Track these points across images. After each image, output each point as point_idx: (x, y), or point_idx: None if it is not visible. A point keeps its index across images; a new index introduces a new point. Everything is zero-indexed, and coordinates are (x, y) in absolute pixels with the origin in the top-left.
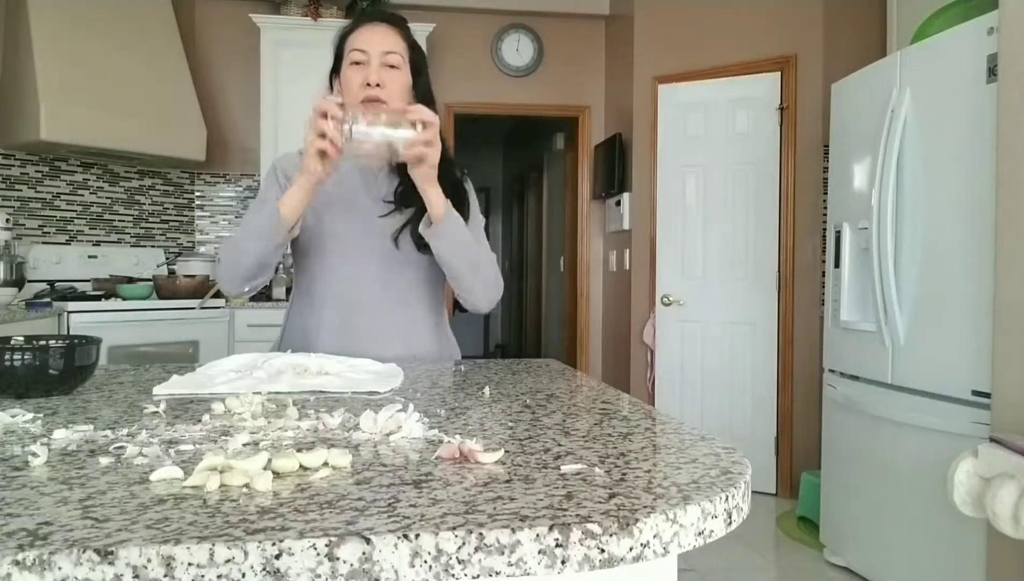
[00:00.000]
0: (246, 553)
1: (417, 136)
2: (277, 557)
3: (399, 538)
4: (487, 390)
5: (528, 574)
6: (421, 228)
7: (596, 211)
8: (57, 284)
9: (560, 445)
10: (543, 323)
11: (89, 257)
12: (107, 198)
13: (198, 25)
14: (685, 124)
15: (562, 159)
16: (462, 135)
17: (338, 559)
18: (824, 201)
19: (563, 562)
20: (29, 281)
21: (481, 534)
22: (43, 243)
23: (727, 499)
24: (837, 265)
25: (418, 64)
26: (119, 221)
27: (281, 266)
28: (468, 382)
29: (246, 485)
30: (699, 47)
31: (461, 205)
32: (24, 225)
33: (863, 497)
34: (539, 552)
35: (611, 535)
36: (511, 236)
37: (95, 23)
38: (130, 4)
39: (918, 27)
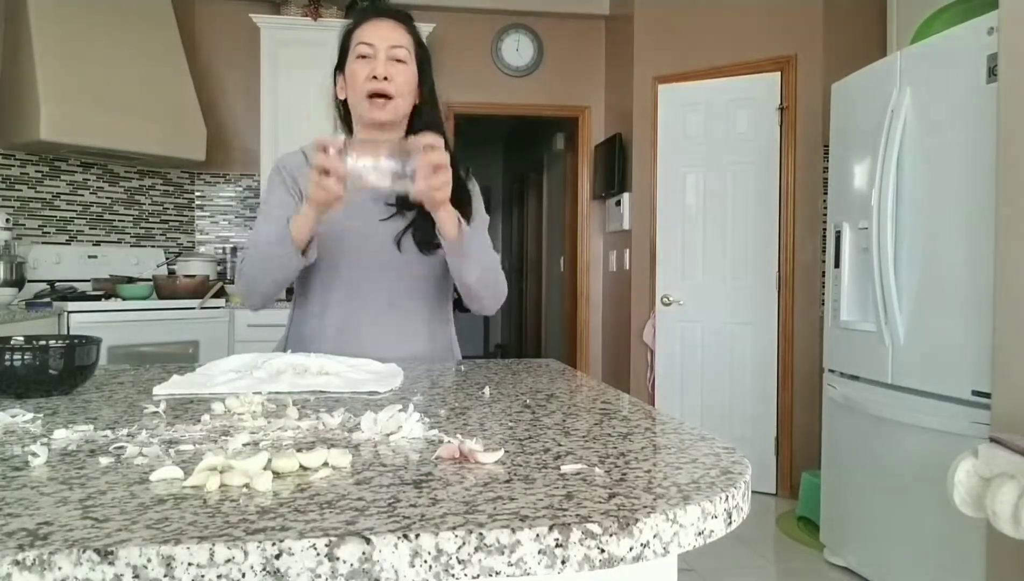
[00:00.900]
0: (246, 553)
1: (421, 187)
2: (277, 557)
3: (399, 538)
4: (487, 390)
5: (528, 574)
6: (443, 243)
7: (596, 211)
8: (57, 284)
9: (560, 445)
10: (543, 323)
11: (89, 257)
12: (107, 198)
13: (198, 25)
14: (685, 124)
15: (562, 159)
16: (462, 135)
17: (338, 559)
18: (824, 201)
19: (563, 562)
20: (29, 281)
21: (481, 534)
22: (43, 243)
23: (727, 499)
24: (837, 265)
25: (424, 61)
26: (119, 221)
27: None
28: (468, 382)
29: (246, 485)
30: (699, 47)
31: (465, 205)
32: (24, 225)
33: (863, 497)
34: (539, 552)
35: (611, 535)
36: (511, 236)
37: (95, 23)
38: (130, 4)
39: (918, 27)
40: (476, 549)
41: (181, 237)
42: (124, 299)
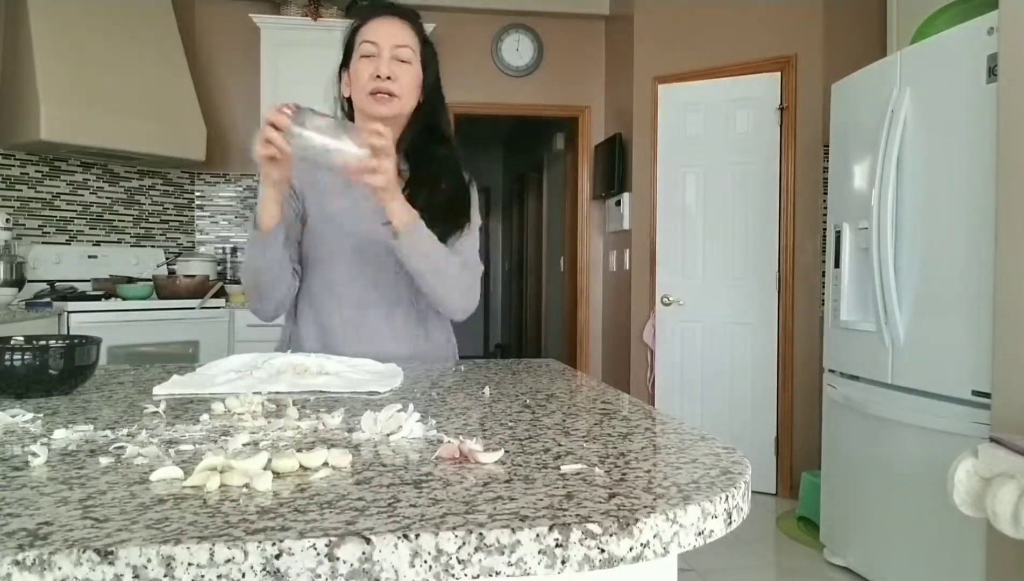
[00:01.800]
0: (246, 553)
1: (358, 159)
2: (277, 557)
3: (399, 538)
4: (487, 390)
5: (528, 574)
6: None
7: (596, 211)
8: (57, 284)
9: (560, 445)
10: (543, 323)
11: (89, 257)
12: (107, 198)
13: (198, 25)
14: (685, 124)
15: (562, 159)
16: (462, 135)
17: (338, 559)
18: (824, 201)
19: (563, 562)
20: (29, 281)
21: (481, 534)
22: (43, 243)
23: (727, 499)
24: (837, 265)
25: (428, 59)
26: (119, 221)
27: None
28: (468, 382)
29: (246, 485)
30: (699, 47)
31: (462, 211)
32: (24, 225)
33: (863, 497)
34: (539, 552)
35: (611, 535)
36: (511, 236)
37: (95, 23)
38: (130, 4)
39: (918, 27)
40: (476, 549)
41: (181, 237)
42: (124, 299)
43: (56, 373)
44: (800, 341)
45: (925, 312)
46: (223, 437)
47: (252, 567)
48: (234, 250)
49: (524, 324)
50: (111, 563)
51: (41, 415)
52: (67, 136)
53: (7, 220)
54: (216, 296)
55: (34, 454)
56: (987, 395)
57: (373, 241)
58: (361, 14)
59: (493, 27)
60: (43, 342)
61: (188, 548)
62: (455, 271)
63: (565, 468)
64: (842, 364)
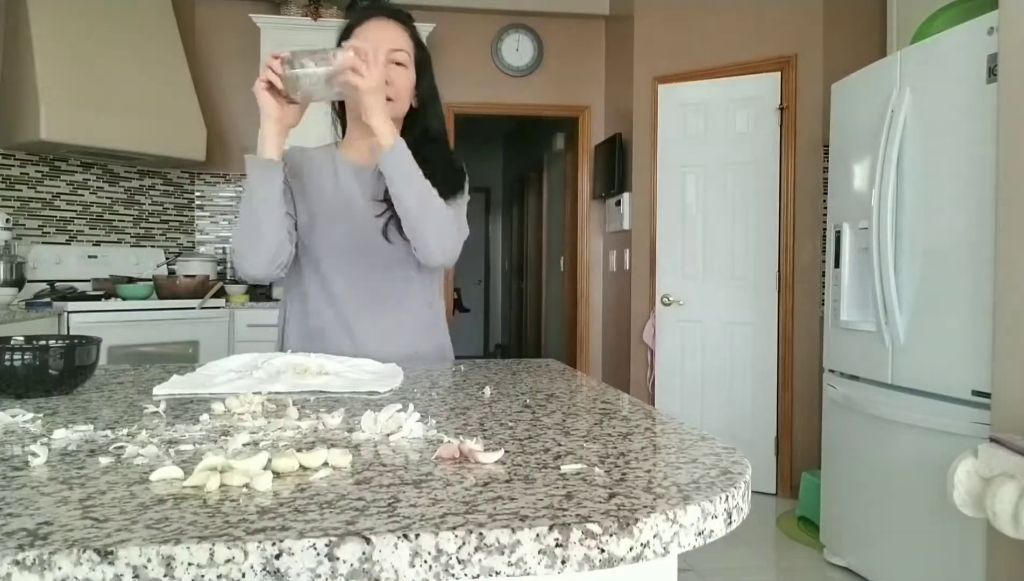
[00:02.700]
0: (246, 553)
1: (345, 61)
2: (277, 557)
3: (399, 538)
4: (487, 390)
5: (528, 574)
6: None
7: (596, 211)
8: (57, 284)
9: (560, 445)
10: (543, 323)
11: (89, 257)
12: (107, 198)
13: (198, 25)
14: (685, 124)
15: (562, 159)
16: (462, 135)
17: (338, 559)
18: (824, 201)
19: (563, 562)
20: (29, 281)
21: (481, 534)
22: (43, 243)
23: (727, 499)
24: (837, 265)
25: (423, 62)
26: (119, 221)
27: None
28: (468, 382)
29: (246, 485)
30: (699, 47)
31: (456, 187)
32: (24, 225)
33: (863, 497)
34: (539, 552)
35: (611, 535)
36: (511, 236)
37: (95, 23)
38: (130, 4)
39: (918, 27)
40: (476, 549)
41: (181, 237)
42: (124, 299)
43: (56, 373)
44: (800, 341)
45: (925, 312)
46: (223, 437)
47: (252, 567)
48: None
49: (524, 324)
50: (111, 563)
51: (41, 415)
52: (67, 136)
53: (7, 220)
54: (216, 296)
55: (34, 454)
56: (987, 395)
57: (364, 242)
58: (355, 16)
59: (493, 27)
60: (43, 342)
61: (188, 548)
62: (438, 203)
63: (565, 468)
64: (842, 364)
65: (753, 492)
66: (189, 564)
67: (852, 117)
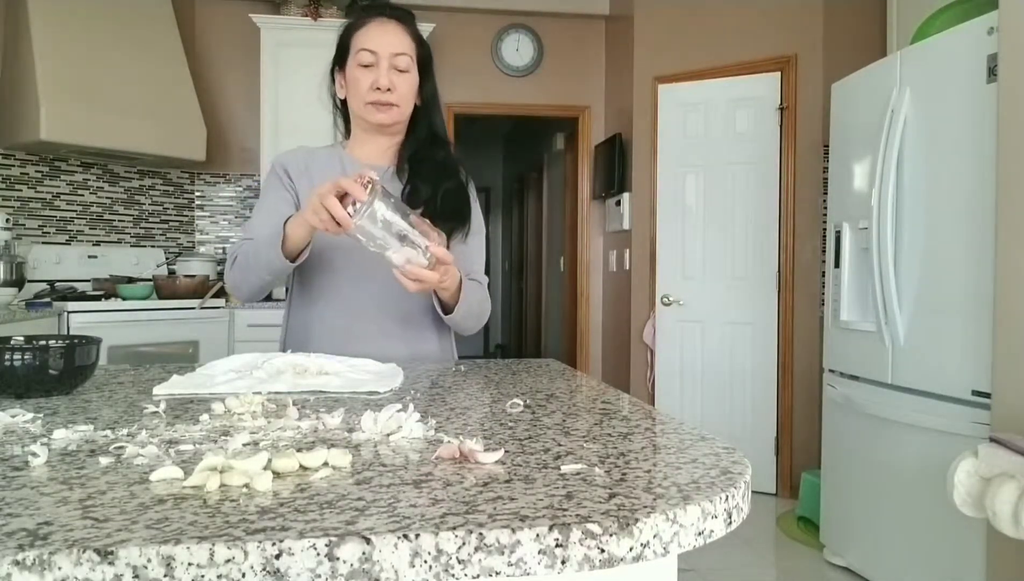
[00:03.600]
0: (246, 553)
1: (419, 266)
2: (277, 557)
3: (399, 538)
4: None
5: (528, 574)
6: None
7: (596, 211)
8: (57, 284)
9: (560, 445)
10: (543, 323)
11: (89, 257)
12: (107, 198)
13: (198, 25)
14: (685, 124)
15: (562, 159)
16: (462, 135)
17: (338, 559)
18: (824, 201)
19: (563, 562)
20: (29, 281)
21: (481, 534)
22: (43, 243)
23: (727, 499)
24: (837, 265)
25: (425, 61)
26: (119, 221)
27: None
28: (468, 382)
29: (246, 485)
30: (699, 47)
31: (464, 208)
32: (24, 225)
33: (863, 497)
34: (539, 552)
35: (611, 535)
36: (511, 236)
37: (95, 23)
38: (130, 4)
39: (918, 27)
40: (476, 549)
41: (181, 237)
42: (124, 299)
43: (56, 373)
44: (800, 341)
45: (925, 312)
46: (223, 437)
47: (252, 567)
48: None
49: (524, 324)
50: (111, 563)
51: (41, 415)
52: (67, 136)
53: (7, 220)
54: (216, 296)
55: (34, 454)
56: (987, 395)
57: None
58: (356, 15)
59: (493, 27)
60: (43, 342)
61: (188, 548)
62: (483, 306)
63: (565, 468)
64: (842, 364)
65: (753, 492)
66: (189, 564)
67: (852, 117)
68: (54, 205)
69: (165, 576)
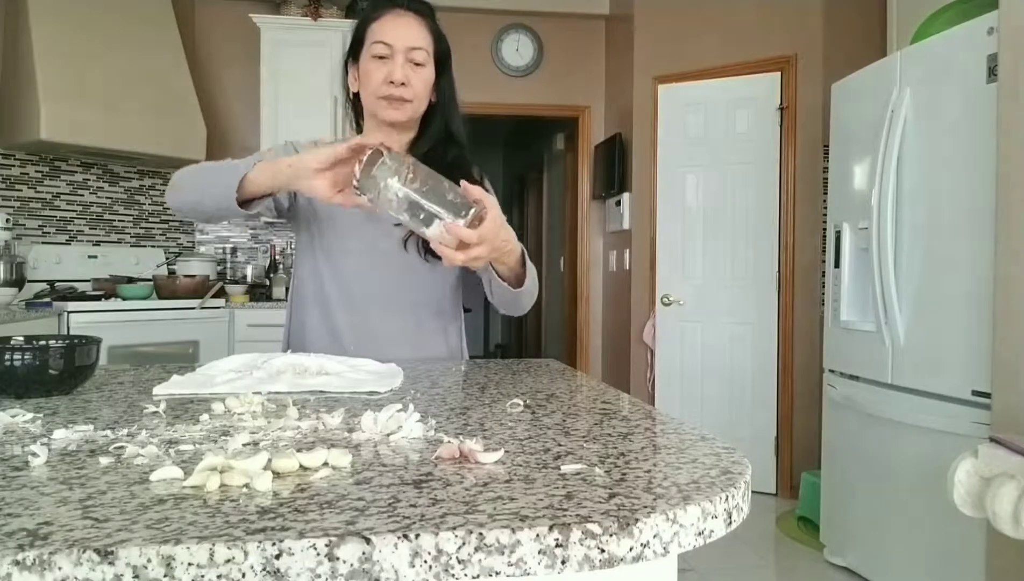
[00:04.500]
0: (246, 553)
1: (455, 237)
2: (277, 557)
3: (399, 538)
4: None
5: (528, 574)
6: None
7: (596, 211)
8: (57, 284)
9: (560, 445)
10: (543, 323)
11: (89, 257)
12: (107, 198)
13: (198, 25)
14: (685, 124)
15: (562, 159)
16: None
17: (338, 559)
18: (824, 201)
19: (563, 562)
20: (29, 281)
21: (481, 534)
22: (43, 243)
23: (727, 499)
24: (837, 265)
25: (443, 57)
26: (119, 221)
27: (281, 265)
28: (468, 382)
29: (246, 485)
30: (699, 47)
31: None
32: (24, 225)
33: (863, 497)
34: (539, 552)
35: (611, 535)
36: None
37: (95, 23)
38: (130, 4)
39: (918, 27)
40: (476, 549)
41: (181, 237)
42: (124, 299)
43: (56, 373)
44: (800, 341)
45: (925, 312)
46: (223, 437)
47: (252, 567)
48: (234, 250)
49: (524, 324)
50: (111, 563)
51: (41, 415)
52: (67, 136)
53: (7, 220)
54: (216, 296)
55: (34, 454)
56: (987, 395)
57: (383, 251)
58: (372, 6)
59: (493, 27)
60: (43, 342)
61: (188, 548)
62: (535, 283)
63: (565, 468)
64: (842, 364)
65: (753, 492)
66: (189, 564)
67: (852, 117)
68: (54, 205)
69: (165, 576)
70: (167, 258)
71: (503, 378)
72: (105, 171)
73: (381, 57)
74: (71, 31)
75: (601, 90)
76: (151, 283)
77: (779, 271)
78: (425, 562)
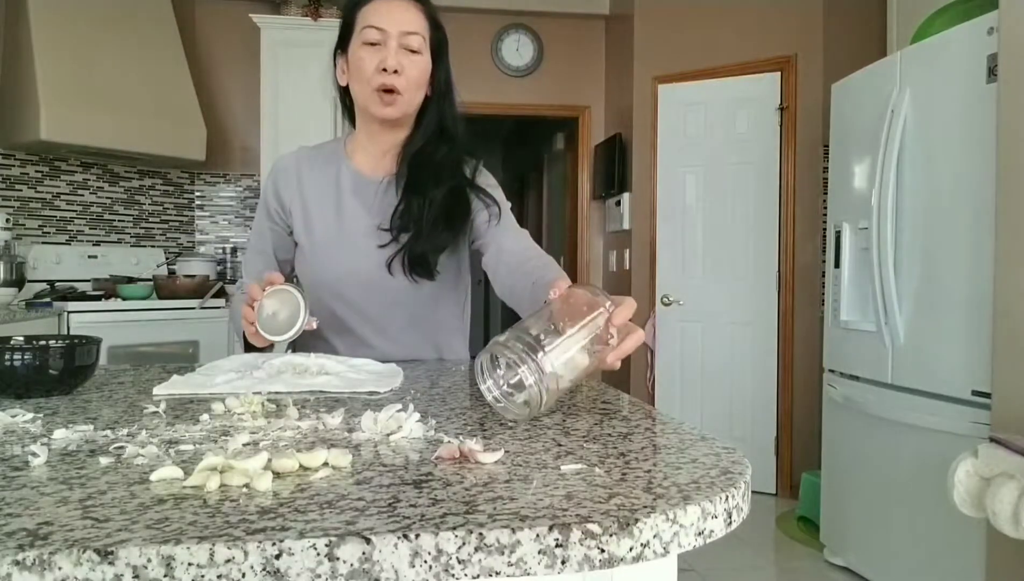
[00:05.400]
0: (246, 553)
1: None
2: (277, 557)
3: (399, 538)
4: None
5: (528, 574)
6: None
7: (596, 211)
8: (57, 284)
9: (560, 445)
10: None
11: (89, 257)
12: (107, 198)
13: (198, 25)
14: (685, 124)
15: (562, 159)
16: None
17: (338, 559)
18: (824, 201)
19: (563, 562)
20: (29, 281)
21: (481, 534)
22: (43, 243)
23: (727, 499)
24: (837, 265)
25: (440, 46)
26: (119, 221)
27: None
28: (468, 382)
29: (246, 485)
30: (699, 47)
31: (460, 217)
32: (24, 225)
33: (863, 497)
34: (539, 552)
35: (611, 535)
36: None
37: (95, 23)
38: (130, 4)
39: (918, 27)
40: (476, 549)
41: (181, 237)
42: (124, 299)
43: (56, 373)
44: (800, 341)
45: (925, 312)
46: (223, 437)
47: (252, 567)
48: (234, 250)
49: None
50: (111, 563)
51: (41, 415)
52: (67, 136)
53: (7, 220)
54: (216, 296)
55: (34, 454)
56: (987, 395)
57: (366, 277)
58: None
59: (493, 27)
60: (43, 342)
61: (188, 548)
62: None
63: (565, 468)
64: (842, 364)
65: (753, 492)
66: (189, 564)
67: (852, 117)
68: (54, 205)
69: (165, 576)
70: (167, 258)
71: None
72: (105, 171)
73: (373, 43)
74: (71, 31)
75: (601, 90)
76: (151, 283)
77: (779, 271)
78: (425, 562)
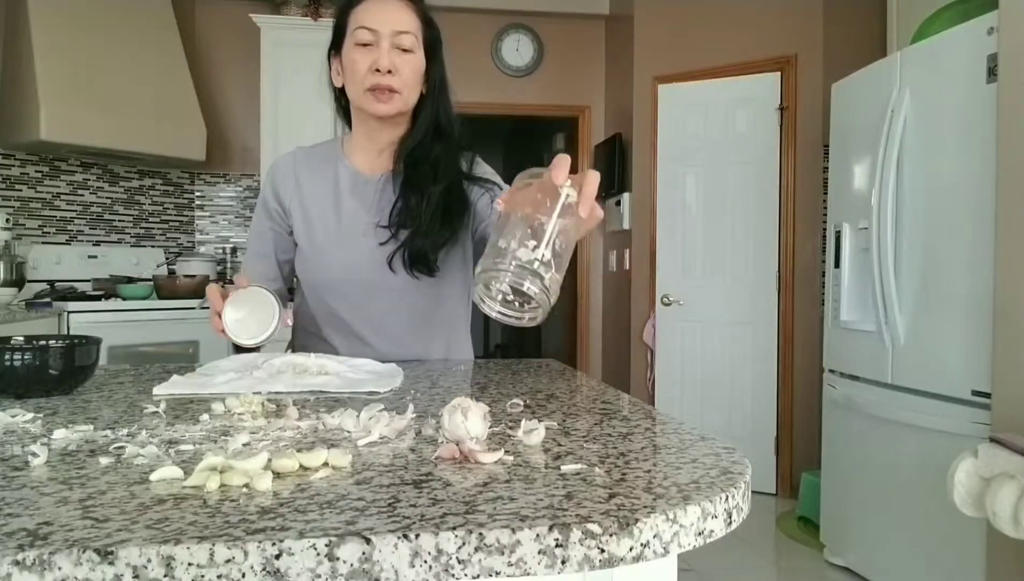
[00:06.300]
0: (246, 553)
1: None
2: (277, 557)
3: (399, 538)
4: (487, 390)
5: (528, 574)
6: None
7: None
8: (57, 284)
9: (560, 445)
10: (543, 323)
11: (89, 257)
12: (107, 198)
13: (198, 25)
14: (685, 124)
15: None
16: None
17: (338, 559)
18: (824, 201)
19: (563, 562)
20: (29, 281)
21: (481, 534)
22: (43, 243)
23: (727, 499)
24: (837, 265)
25: (433, 44)
26: (119, 221)
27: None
28: (468, 382)
29: (246, 485)
30: (699, 47)
31: (458, 213)
32: (24, 225)
33: (863, 497)
34: (539, 552)
35: (611, 535)
36: None
37: (95, 23)
38: (130, 4)
39: (918, 27)
40: (476, 549)
41: (181, 237)
42: (124, 299)
43: (56, 373)
44: (800, 341)
45: (925, 312)
46: (223, 437)
47: (252, 567)
48: (234, 250)
49: None
50: (111, 563)
51: (41, 415)
52: (67, 136)
53: (7, 220)
54: None
55: (34, 454)
56: (987, 395)
57: (367, 275)
58: None
59: (493, 27)
60: (43, 342)
61: (188, 548)
62: None
63: (565, 468)
64: (842, 364)
65: (753, 492)
66: (189, 564)
67: (852, 117)
68: (54, 205)
69: (165, 576)
70: (167, 258)
71: (503, 378)
72: (105, 171)
73: (365, 44)
74: (71, 31)
75: (601, 90)
76: (151, 283)
77: (779, 271)
78: (425, 562)
